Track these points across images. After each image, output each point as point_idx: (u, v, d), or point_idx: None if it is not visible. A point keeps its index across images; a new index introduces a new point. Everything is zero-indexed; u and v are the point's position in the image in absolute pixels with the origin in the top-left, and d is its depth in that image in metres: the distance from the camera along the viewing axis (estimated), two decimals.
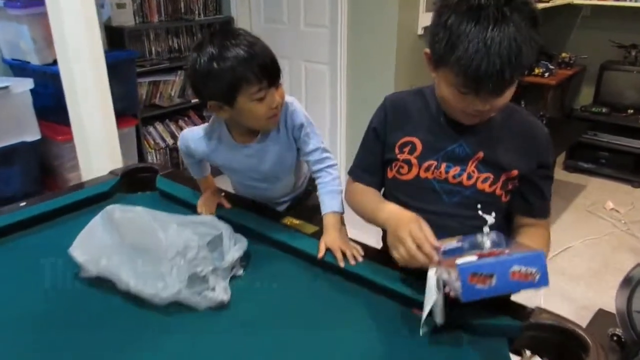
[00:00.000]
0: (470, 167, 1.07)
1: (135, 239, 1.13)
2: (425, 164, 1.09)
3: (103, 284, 1.08)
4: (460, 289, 0.87)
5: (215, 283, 1.08)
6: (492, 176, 1.06)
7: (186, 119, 3.66)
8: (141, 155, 3.25)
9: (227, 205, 1.40)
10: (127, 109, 2.95)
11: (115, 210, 1.19)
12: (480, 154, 1.06)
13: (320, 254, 1.16)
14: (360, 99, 3.09)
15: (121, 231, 1.15)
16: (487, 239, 0.95)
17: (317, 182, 1.33)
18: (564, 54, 3.77)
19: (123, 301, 1.05)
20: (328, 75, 3.24)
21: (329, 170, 1.32)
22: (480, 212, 1.08)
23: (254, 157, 1.33)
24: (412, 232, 0.96)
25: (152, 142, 3.46)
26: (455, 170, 1.07)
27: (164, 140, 3.52)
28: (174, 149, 3.57)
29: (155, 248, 1.09)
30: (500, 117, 1.07)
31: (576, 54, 3.77)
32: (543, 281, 0.87)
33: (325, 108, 3.33)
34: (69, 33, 1.70)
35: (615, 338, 1.85)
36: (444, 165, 1.08)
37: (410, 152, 1.11)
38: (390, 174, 1.16)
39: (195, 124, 3.69)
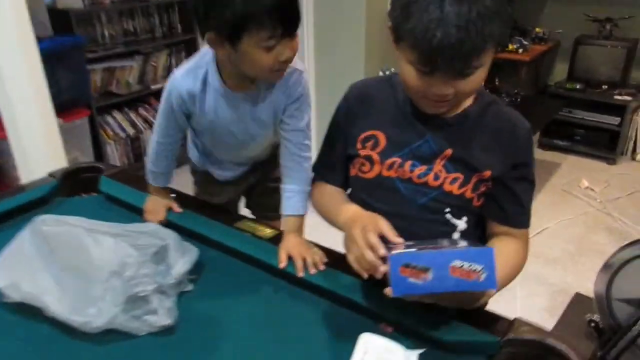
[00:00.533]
0: (438, 166, 0.94)
1: (66, 257, 0.99)
2: (389, 161, 0.97)
3: (28, 311, 0.93)
4: (390, 281, 0.77)
5: (159, 304, 0.95)
6: (461, 177, 0.94)
7: (147, 106, 3.46)
8: (98, 148, 3.06)
9: (178, 209, 1.25)
10: (77, 99, 2.76)
11: (45, 222, 1.05)
12: (448, 151, 0.93)
13: (282, 264, 1.04)
14: (328, 76, 2.94)
15: (51, 247, 1.01)
16: (448, 242, 0.85)
17: (286, 171, 1.18)
18: (537, 29, 3.67)
19: (51, 330, 0.91)
20: None
21: (303, 163, 1.17)
22: (448, 217, 0.96)
23: (245, 110, 1.16)
24: (365, 228, 0.85)
25: (111, 133, 3.26)
26: (420, 169, 0.95)
27: (123, 129, 3.32)
28: (135, 139, 3.38)
29: (88, 267, 0.95)
30: (475, 110, 0.95)
31: (550, 28, 3.68)
32: (489, 282, 0.76)
33: None
34: None
35: (592, 324, 1.80)
36: (408, 164, 0.95)
37: (373, 148, 0.98)
38: (353, 172, 1.03)
39: (157, 112, 3.51)
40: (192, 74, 1.13)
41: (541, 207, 3.01)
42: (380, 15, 2.77)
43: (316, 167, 1.13)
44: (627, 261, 1.67)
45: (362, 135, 1.00)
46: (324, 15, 2.84)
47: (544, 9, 3.84)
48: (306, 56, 3.00)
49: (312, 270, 1.02)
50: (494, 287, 0.77)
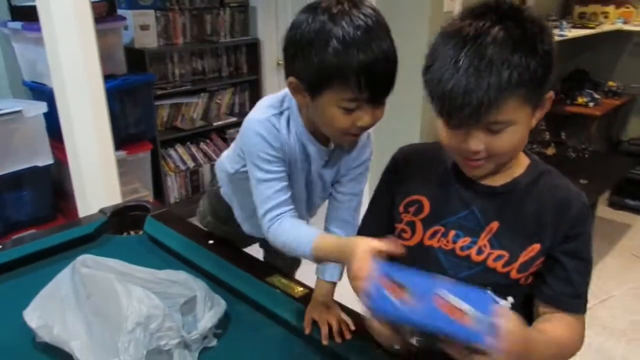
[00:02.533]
0: (483, 240, 0.88)
1: (99, 302, 1.01)
2: (432, 230, 0.92)
3: (58, 352, 0.96)
4: (370, 289, 0.68)
5: (181, 359, 0.94)
6: (507, 255, 0.87)
7: (208, 141, 3.59)
8: (158, 179, 3.19)
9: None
10: (143, 133, 2.91)
11: (84, 263, 1.09)
12: (495, 225, 0.88)
13: (307, 329, 1.01)
14: (385, 128, 2.93)
15: (87, 290, 1.04)
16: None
17: (330, 232, 1.11)
18: (611, 83, 3.50)
19: None
20: None
21: (350, 230, 1.11)
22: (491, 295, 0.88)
23: (315, 166, 1.05)
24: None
25: (172, 165, 3.40)
26: (464, 241, 0.89)
27: (184, 162, 3.45)
28: (194, 172, 3.50)
29: (117, 316, 0.96)
30: (525, 179, 0.90)
31: (625, 82, 3.50)
32: (478, 334, 0.62)
33: None
34: (64, 58, 1.62)
35: None
36: (452, 234, 0.90)
37: (416, 213, 0.95)
38: None
39: (217, 147, 3.64)
40: (275, 116, 1.00)
41: (607, 271, 2.78)
42: None
43: (360, 232, 1.07)
44: None
45: (406, 200, 0.97)
46: None
47: (617, 62, 3.66)
48: None
49: (338, 339, 0.98)
50: (481, 341, 0.63)
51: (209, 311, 1.04)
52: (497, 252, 0.88)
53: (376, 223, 1.04)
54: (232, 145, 1.19)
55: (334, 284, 1.10)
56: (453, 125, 0.81)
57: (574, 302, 0.88)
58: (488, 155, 0.81)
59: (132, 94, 2.76)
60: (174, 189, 3.40)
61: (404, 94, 2.77)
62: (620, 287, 2.68)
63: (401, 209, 0.97)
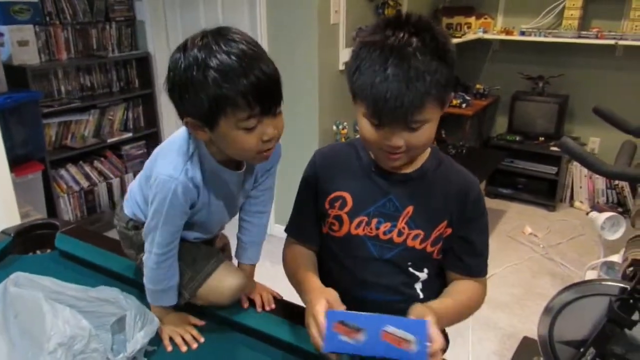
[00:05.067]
0: (401, 223, 1.02)
1: (25, 321, 0.98)
2: (356, 220, 1.04)
3: None
4: (323, 336, 0.81)
5: None
6: (422, 233, 1.02)
7: (102, 159, 3.45)
8: (50, 201, 3.01)
9: (200, 322, 1.12)
10: (31, 153, 2.75)
11: (16, 281, 1.05)
12: (410, 210, 1.02)
13: (245, 305, 1.13)
14: (285, 131, 3.05)
15: (15, 308, 1.00)
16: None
17: (246, 224, 1.21)
18: (478, 85, 3.95)
19: None
20: None
21: (263, 218, 1.21)
22: (411, 269, 1.04)
23: (237, 186, 1.10)
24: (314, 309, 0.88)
25: (65, 186, 3.22)
26: (385, 226, 1.02)
27: (77, 182, 3.29)
28: (89, 192, 3.34)
29: (41, 336, 0.93)
30: (431, 165, 1.04)
31: (490, 85, 3.97)
32: (420, 356, 0.77)
33: None
34: None
35: None
36: (374, 221, 1.03)
37: (341, 208, 1.05)
38: (324, 230, 1.11)
39: (113, 165, 3.52)
40: (190, 166, 0.99)
41: (489, 253, 3.14)
42: (331, 75, 2.93)
43: (289, 228, 1.18)
44: (566, 304, 1.78)
45: (330, 196, 1.07)
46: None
47: (482, 67, 4.16)
48: None
49: (267, 308, 1.12)
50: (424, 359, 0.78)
51: (139, 331, 1.01)
52: (414, 232, 1.02)
53: (307, 223, 1.13)
54: (137, 185, 1.14)
55: (254, 265, 1.23)
56: (380, 125, 0.90)
57: (480, 269, 1.07)
58: (407, 150, 0.93)
59: (17, 113, 2.60)
60: (68, 210, 3.22)
61: (300, 101, 2.93)
62: (500, 265, 3.04)
63: (327, 205, 1.07)
